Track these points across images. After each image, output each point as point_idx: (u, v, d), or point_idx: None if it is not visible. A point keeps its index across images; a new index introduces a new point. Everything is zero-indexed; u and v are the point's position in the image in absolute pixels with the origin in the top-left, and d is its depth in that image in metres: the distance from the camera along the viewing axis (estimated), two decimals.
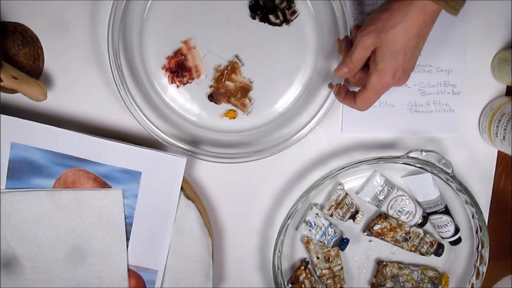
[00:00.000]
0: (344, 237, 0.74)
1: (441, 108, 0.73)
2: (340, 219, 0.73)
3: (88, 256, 0.69)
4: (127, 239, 0.68)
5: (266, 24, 0.68)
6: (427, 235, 0.74)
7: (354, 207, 0.73)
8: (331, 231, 0.72)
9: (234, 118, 0.71)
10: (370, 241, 0.75)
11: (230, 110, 0.70)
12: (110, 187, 0.67)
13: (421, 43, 0.59)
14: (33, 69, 0.68)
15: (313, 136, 0.72)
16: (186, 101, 0.70)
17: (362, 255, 0.76)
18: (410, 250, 0.74)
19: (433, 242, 0.74)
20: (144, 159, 0.66)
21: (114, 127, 0.70)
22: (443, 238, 0.75)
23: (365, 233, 0.75)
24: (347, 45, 0.66)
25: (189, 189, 0.69)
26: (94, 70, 0.69)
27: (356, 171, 0.72)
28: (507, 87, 0.73)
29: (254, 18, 0.68)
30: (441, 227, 0.73)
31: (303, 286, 0.73)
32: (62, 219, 0.67)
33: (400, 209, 0.73)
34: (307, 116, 0.69)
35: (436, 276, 0.76)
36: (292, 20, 0.68)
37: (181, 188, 0.68)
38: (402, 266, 0.75)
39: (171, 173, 0.67)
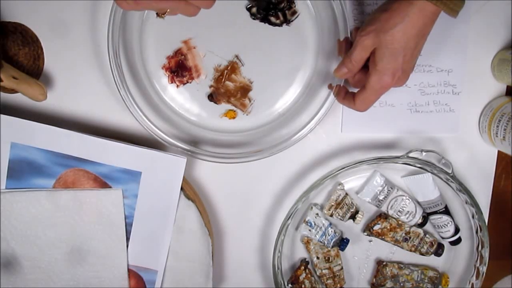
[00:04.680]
0: (344, 237, 0.74)
1: (441, 108, 0.73)
2: (340, 219, 0.73)
3: (88, 256, 0.69)
4: (127, 239, 0.68)
5: (266, 24, 0.68)
6: (427, 235, 0.74)
7: (354, 207, 0.73)
8: (331, 231, 0.72)
9: (234, 118, 0.71)
10: (370, 241, 0.76)
11: (230, 110, 0.70)
12: (110, 187, 0.67)
13: (420, 44, 0.59)
14: (33, 69, 0.68)
15: (313, 136, 0.72)
16: (186, 101, 0.70)
17: (362, 255, 0.76)
18: (410, 250, 0.74)
19: (433, 242, 0.74)
20: (144, 159, 0.66)
21: (114, 127, 0.70)
22: (443, 238, 0.75)
23: (365, 233, 0.75)
24: (347, 46, 0.66)
25: (189, 189, 0.69)
26: (94, 70, 0.69)
27: (356, 171, 0.72)
28: (507, 87, 0.73)
29: (254, 18, 0.68)
30: (441, 227, 0.73)
31: (303, 286, 0.73)
32: (62, 219, 0.67)
33: (400, 209, 0.73)
34: (307, 116, 0.69)
35: (436, 276, 0.76)
36: (292, 21, 0.68)
37: (181, 188, 0.68)
38: (402, 266, 0.75)
39: (171, 173, 0.67)
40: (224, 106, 0.70)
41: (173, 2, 0.51)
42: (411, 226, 0.74)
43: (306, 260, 0.75)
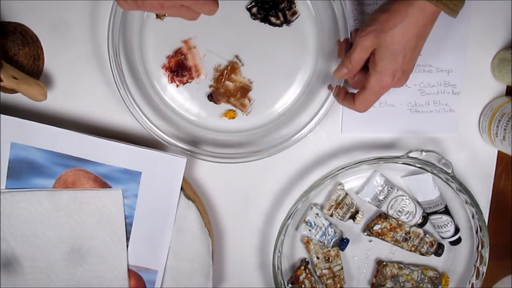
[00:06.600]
0: (344, 237, 0.74)
1: (441, 108, 0.73)
2: (340, 219, 0.73)
3: (88, 256, 0.69)
4: (127, 239, 0.69)
5: (267, 24, 0.68)
6: (427, 235, 0.74)
7: (354, 207, 0.73)
8: (331, 231, 0.72)
9: (233, 118, 0.71)
10: (370, 241, 0.76)
11: (230, 110, 0.70)
12: (110, 187, 0.67)
13: (420, 44, 0.59)
14: (33, 69, 0.68)
15: (313, 136, 0.72)
16: (185, 101, 0.70)
17: (362, 255, 0.76)
18: (410, 250, 0.74)
19: (433, 242, 0.74)
20: (144, 159, 0.66)
21: (114, 127, 0.70)
22: (443, 238, 0.75)
23: (365, 233, 0.75)
24: (347, 47, 0.66)
25: (189, 189, 0.69)
26: (94, 70, 0.69)
27: (356, 171, 0.72)
28: (507, 87, 0.73)
29: (254, 18, 0.68)
30: (441, 227, 0.73)
31: (303, 286, 0.73)
32: (62, 219, 0.67)
33: (400, 209, 0.73)
34: (307, 116, 0.69)
35: (436, 276, 0.76)
36: (292, 21, 0.68)
37: (181, 188, 0.68)
38: (402, 266, 0.75)
39: (171, 173, 0.67)
40: (224, 106, 0.70)
41: (174, 9, 0.51)
42: (411, 226, 0.74)
43: (306, 260, 0.75)
